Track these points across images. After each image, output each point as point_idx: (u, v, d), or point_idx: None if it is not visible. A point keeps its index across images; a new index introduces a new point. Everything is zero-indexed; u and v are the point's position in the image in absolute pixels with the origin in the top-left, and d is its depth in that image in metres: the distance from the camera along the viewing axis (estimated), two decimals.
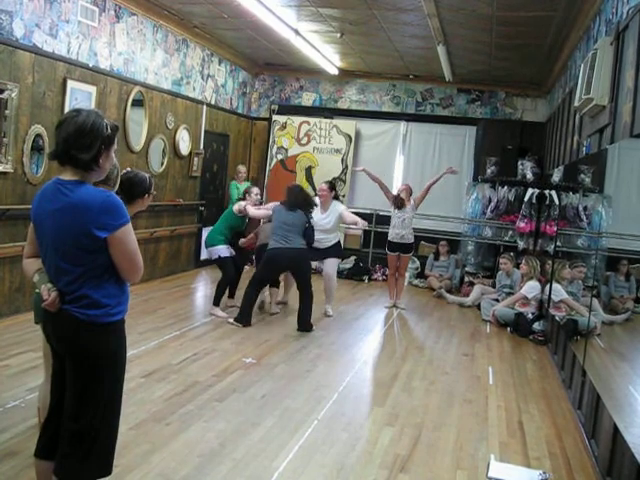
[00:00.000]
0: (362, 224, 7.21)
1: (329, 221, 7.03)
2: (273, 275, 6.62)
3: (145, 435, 3.55)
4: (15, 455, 3.14)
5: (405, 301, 8.13)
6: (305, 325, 6.30)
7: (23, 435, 3.34)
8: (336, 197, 7.37)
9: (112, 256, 2.31)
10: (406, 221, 7.61)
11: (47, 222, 2.32)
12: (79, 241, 2.27)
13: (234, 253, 6.80)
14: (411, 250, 7.78)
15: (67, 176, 2.32)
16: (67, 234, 2.27)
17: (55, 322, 2.36)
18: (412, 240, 7.71)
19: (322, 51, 8.88)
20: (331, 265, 7.16)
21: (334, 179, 10.29)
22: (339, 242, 7.41)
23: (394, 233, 7.64)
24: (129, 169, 3.31)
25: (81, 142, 2.28)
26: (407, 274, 9.89)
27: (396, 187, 10.52)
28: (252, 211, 6.68)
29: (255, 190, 6.99)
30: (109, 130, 2.35)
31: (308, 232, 6.41)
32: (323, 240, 6.97)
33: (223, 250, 6.58)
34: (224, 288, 6.66)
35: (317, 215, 6.94)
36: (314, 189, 10.39)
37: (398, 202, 7.64)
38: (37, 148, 5.75)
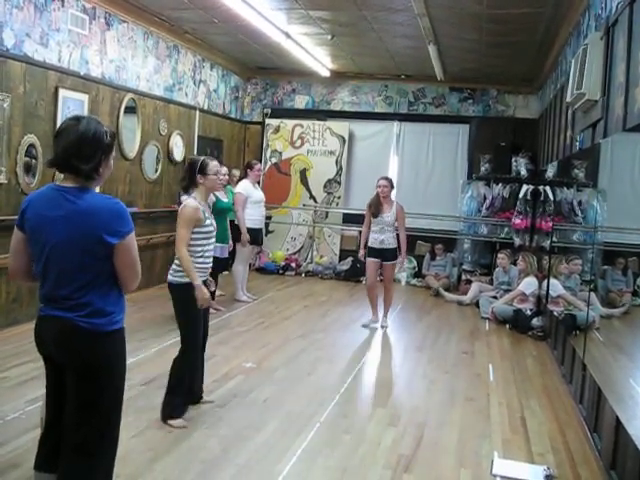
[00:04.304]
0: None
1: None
2: None
3: (147, 443, 3.53)
4: (17, 467, 3.12)
5: (396, 312, 7.98)
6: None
7: (24, 447, 3.31)
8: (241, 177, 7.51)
9: (116, 263, 2.30)
10: (385, 227, 6.66)
11: (49, 229, 2.27)
12: (89, 248, 2.26)
13: (225, 254, 6.82)
14: (393, 257, 6.75)
15: (68, 183, 2.30)
16: (76, 241, 2.25)
17: (57, 332, 2.33)
18: (394, 245, 6.72)
19: (313, 53, 8.88)
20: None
21: (329, 181, 10.37)
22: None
23: (373, 238, 6.71)
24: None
25: (82, 152, 2.26)
26: (404, 274, 9.93)
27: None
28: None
29: (223, 170, 7.00)
30: (108, 138, 2.34)
31: None
32: None
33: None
34: None
35: None
36: (309, 192, 10.44)
37: (373, 210, 6.70)
38: (30, 158, 5.73)
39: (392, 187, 6.78)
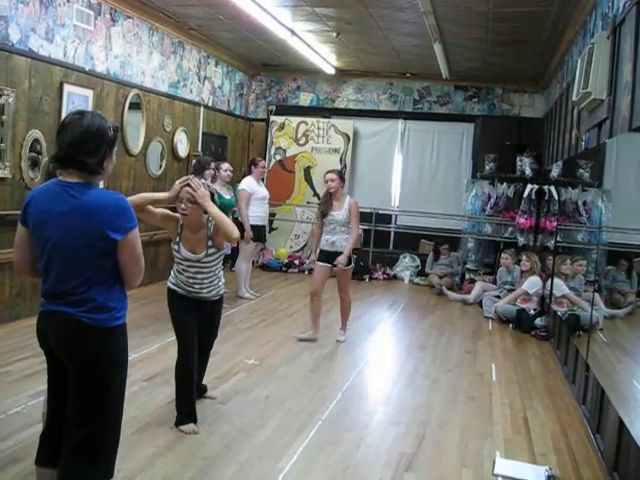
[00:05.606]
0: None
1: None
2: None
3: (149, 439, 3.53)
4: (19, 462, 3.13)
5: (398, 311, 8.03)
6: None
7: (26, 442, 3.31)
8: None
9: (120, 259, 2.30)
10: (337, 227, 5.81)
11: (52, 224, 2.27)
12: (92, 243, 2.25)
13: (228, 251, 6.77)
14: (347, 262, 5.78)
15: (72, 178, 2.29)
16: (79, 236, 2.25)
17: (59, 327, 2.32)
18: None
19: (318, 51, 8.86)
20: None
21: None
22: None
23: (324, 240, 5.85)
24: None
25: (87, 146, 2.26)
26: (407, 272, 9.90)
27: (394, 184, 10.57)
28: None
29: (224, 166, 7.02)
30: (112, 132, 2.34)
31: None
32: None
33: None
34: None
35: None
36: (313, 189, 10.43)
37: (322, 209, 5.92)
38: (35, 153, 5.73)
39: (342, 181, 5.90)
